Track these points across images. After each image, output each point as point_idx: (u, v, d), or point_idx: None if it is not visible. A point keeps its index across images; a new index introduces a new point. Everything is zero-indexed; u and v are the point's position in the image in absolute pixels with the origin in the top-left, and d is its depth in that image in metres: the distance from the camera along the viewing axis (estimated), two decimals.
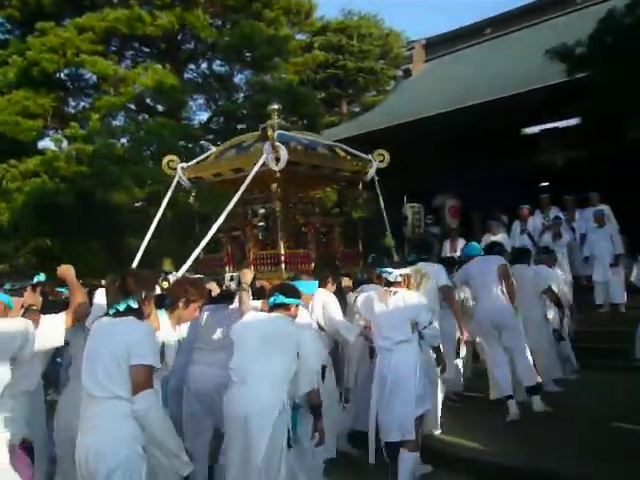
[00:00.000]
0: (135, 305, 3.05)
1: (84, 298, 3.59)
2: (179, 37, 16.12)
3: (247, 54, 15.99)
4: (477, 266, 6.25)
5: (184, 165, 6.28)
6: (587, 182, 9.60)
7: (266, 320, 3.88)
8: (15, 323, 3.14)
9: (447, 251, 10.21)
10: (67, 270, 3.65)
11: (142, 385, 2.86)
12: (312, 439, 3.91)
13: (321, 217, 6.52)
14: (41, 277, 3.74)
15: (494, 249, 6.55)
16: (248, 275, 4.33)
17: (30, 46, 13.84)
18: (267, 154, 5.36)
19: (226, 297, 4.49)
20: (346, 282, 5.56)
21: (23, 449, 3.15)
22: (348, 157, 6.52)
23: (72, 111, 16.10)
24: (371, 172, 6.50)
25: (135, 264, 5.47)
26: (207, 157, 6.50)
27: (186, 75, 16.92)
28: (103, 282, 3.62)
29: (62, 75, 15.40)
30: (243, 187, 5.34)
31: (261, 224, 6.07)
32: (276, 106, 6.37)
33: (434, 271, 5.65)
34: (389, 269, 4.78)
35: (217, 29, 16.13)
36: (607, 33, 7.02)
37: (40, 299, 3.91)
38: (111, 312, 3.07)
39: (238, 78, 17.81)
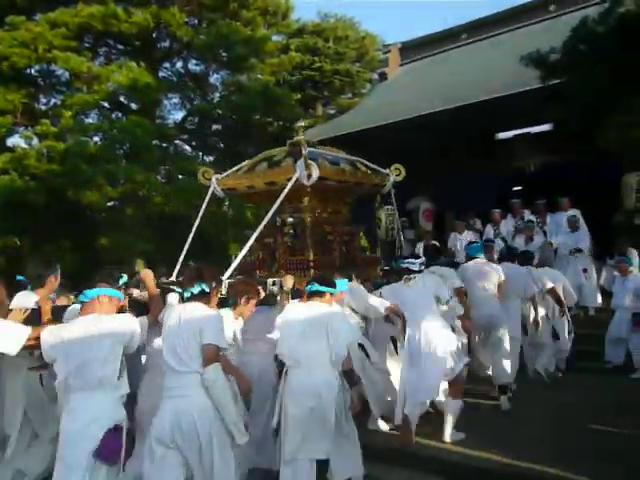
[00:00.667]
0: (207, 290, 3.63)
1: (161, 302, 3.99)
2: (154, 35, 15.93)
3: (223, 54, 15.89)
4: (476, 268, 6.40)
5: (219, 176, 6.66)
6: (558, 187, 9.73)
7: (304, 308, 4.25)
8: (128, 317, 3.63)
9: (421, 254, 10.24)
10: (148, 275, 4.06)
11: (212, 360, 3.41)
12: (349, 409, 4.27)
13: (344, 226, 6.91)
14: (125, 279, 3.93)
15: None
16: (290, 280, 4.77)
17: (0, 40, 13.56)
18: (300, 171, 5.77)
19: (270, 299, 4.85)
20: (367, 284, 5.97)
21: (118, 430, 3.37)
22: (368, 171, 6.86)
23: (43, 108, 15.79)
24: (388, 185, 6.98)
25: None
26: (239, 169, 6.78)
27: (161, 74, 16.74)
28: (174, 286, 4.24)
29: (33, 71, 15.16)
30: (278, 202, 5.78)
31: (291, 232, 6.45)
32: (302, 123, 6.71)
33: (448, 274, 5.93)
34: (411, 259, 5.41)
35: (193, 28, 15.99)
36: (580, 41, 7.16)
37: (127, 301, 4.13)
38: (186, 295, 3.64)
39: (214, 78, 17.73)
